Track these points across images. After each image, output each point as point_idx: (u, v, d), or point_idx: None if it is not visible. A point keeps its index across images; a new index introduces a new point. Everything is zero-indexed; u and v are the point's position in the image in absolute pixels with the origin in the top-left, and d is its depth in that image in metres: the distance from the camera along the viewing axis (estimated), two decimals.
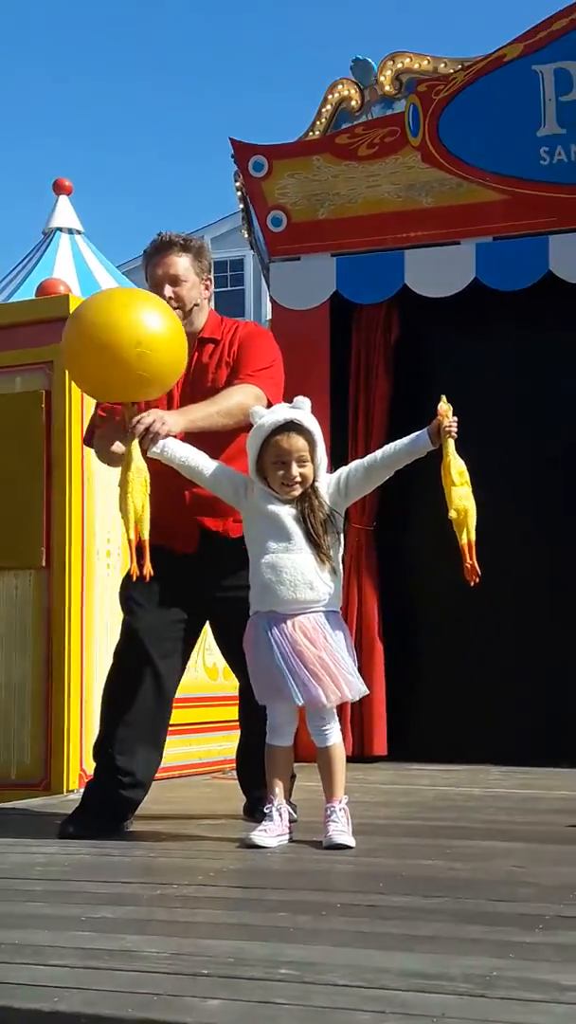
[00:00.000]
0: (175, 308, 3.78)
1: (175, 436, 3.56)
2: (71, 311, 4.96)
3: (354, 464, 3.58)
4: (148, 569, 3.42)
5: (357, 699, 3.57)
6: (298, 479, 3.46)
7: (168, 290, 3.81)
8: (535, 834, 3.70)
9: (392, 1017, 1.77)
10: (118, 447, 3.67)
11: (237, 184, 7.00)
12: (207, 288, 3.94)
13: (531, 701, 6.13)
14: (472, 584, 3.46)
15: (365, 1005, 1.82)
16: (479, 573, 3.46)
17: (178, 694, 5.58)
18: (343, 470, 3.56)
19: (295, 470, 3.45)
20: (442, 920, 2.44)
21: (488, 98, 6.12)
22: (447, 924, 2.41)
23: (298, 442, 3.45)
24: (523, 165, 6.09)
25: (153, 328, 3.44)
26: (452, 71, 6.29)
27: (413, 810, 4.32)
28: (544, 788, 5.02)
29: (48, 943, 2.27)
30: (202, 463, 3.59)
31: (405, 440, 3.50)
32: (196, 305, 3.87)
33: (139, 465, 3.48)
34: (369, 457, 3.58)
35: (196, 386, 3.79)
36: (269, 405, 3.63)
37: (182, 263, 3.84)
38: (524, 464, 6.25)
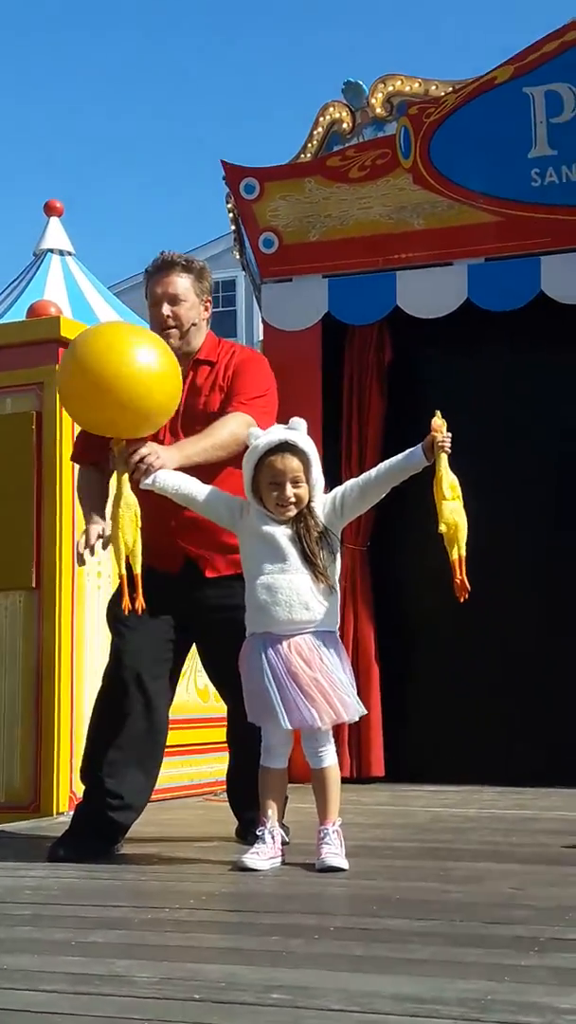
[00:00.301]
0: (172, 327, 3.79)
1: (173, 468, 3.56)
2: (62, 333, 5.01)
3: (349, 483, 3.57)
4: (140, 603, 3.44)
5: (355, 720, 3.54)
6: (292, 500, 3.45)
7: (166, 308, 3.82)
8: (530, 855, 3.67)
9: None
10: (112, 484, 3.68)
11: (229, 206, 7.02)
12: (206, 309, 3.93)
13: (527, 722, 6.12)
14: (462, 600, 3.44)
15: None
16: (468, 589, 3.44)
17: (170, 716, 5.59)
18: (338, 490, 3.55)
19: (289, 491, 3.44)
20: (436, 943, 2.41)
21: (479, 120, 6.15)
22: (442, 947, 2.38)
23: (292, 463, 3.44)
24: (514, 187, 6.12)
25: (152, 370, 3.44)
26: (443, 93, 6.32)
27: (407, 832, 4.29)
28: (539, 809, 5.00)
29: (38, 968, 2.24)
30: (195, 490, 3.58)
31: (399, 457, 3.49)
32: (194, 325, 3.86)
33: (128, 501, 3.49)
34: (364, 476, 3.57)
35: (188, 407, 3.78)
36: None
37: (182, 283, 3.84)
38: (515, 482, 6.25)
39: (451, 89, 6.32)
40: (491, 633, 6.17)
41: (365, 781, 6.12)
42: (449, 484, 3.43)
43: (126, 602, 3.45)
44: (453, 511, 3.42)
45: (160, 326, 3.81)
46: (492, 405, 6.35)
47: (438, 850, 3.81)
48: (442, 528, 3.43)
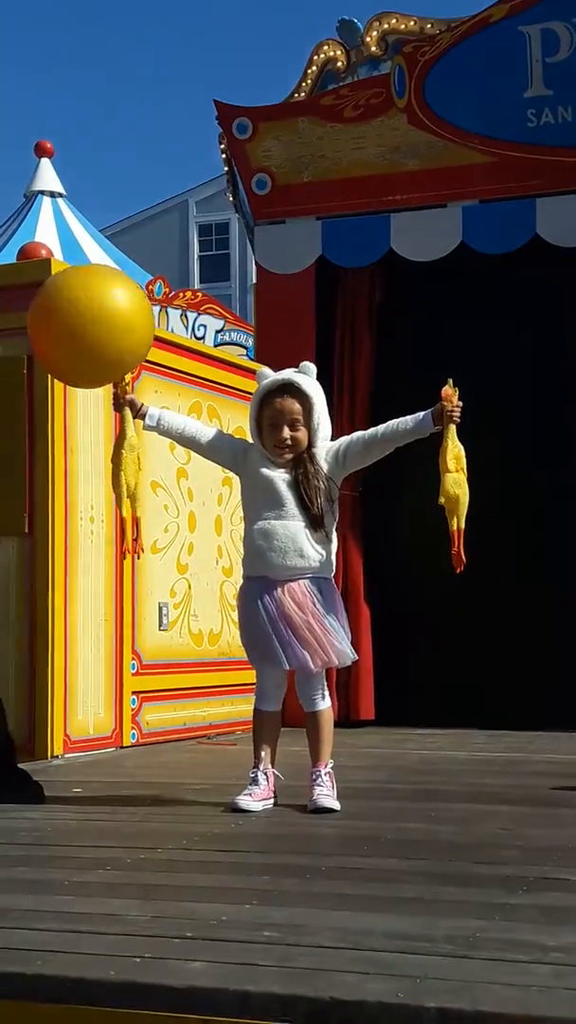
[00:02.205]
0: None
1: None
2: (51, 276, 4.96)
3: (355, 436, 3.54)
4: (141, 545, 3.48)
5: (346, 665, 3.56)
6: (288, 442, 3.43)
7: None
8: (520, 797, 3.71)
9: (376, 978, 1.76)
10: None
11: (222, 147, 6.93)
12: None
13: (518, 666, 6.15)
14: (458, 571, 3.44)
15: (348, 966, 1.82)
16: (464, 561, 3.43)
17: (163, 660, 5.62)
18: (343, 441, 3.52)
19: (286, 432, 3.43)
20: (426, 882, 2.44)
21: (474, 59, 6.07)
22: (431, 886, 2.41)
23: (292, 405, 3.43)
24: (510, 127, 6.05)
25: (130, 315, 3.42)
26: (438, 32, 6.23)
27: (398, 774, 4.33)
28: (529, 752, 5.04)
29: (31, 907, 2.26)
30: (199, 432, 3.57)
31: (408, 419, 3.45)
32: None
33: (132, 443, 3.51)
34: (371, 431, 3.54)
35: None
36: None
37: None
38: (509, 425, 6.24)
39: (446, 27, 6.23)
40: (484, 578, 6.17)
41: (355, 724, 6.15)
42: (454, 456, 3.39)
43: (127, 544, 3.47)
44: (455, 483, 3.39)
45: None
46: (485, 348, 6.32)
47: (429, 792, 3.84)
48: (441, 500, 3.41)
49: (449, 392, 3.37)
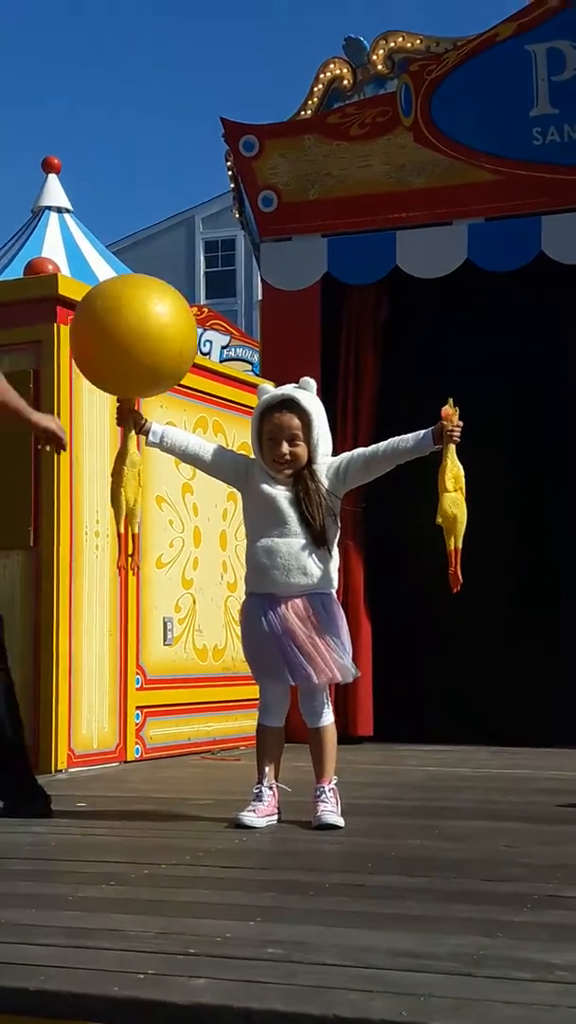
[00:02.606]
0: None
1: None
2: (59, 291, 4.97)
3: (355, 453, 3.55)
4: (136, 562, 3.47)
5: (348, 681, 3.55)
6: (287, 457, 3.44)
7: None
8: (525, 814, 3.70)
9: (379, 996, 1.76)
10: None
11: (228, 163, 6.96)
12: None
13: (521, 682, 6.14)
14: (455, 591, 3.44)
15: (353, 984, 1.82)
16: (461, 581, 3.43)
17: (167, 675, 5.62)
18: (344, 457, 3.53)
19: (285, 448, 3.43)
20: (430, 900, 2.44)
21: (480, 78, 6.10)
22: (435, 903, 2.40)
23: (291, 420, 3.43)
24: (516, 145, 6.07)
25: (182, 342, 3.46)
26: (444, 51, 6.26)
27: (402, 790, 4.32)
28: (534, 768, 5.03)
29: (34, 922, 2.26)
30: (200, 450, 3.58)
31: (408, 438, 3.45)
32: None
33: (134, 459, 3.52)
34: (371, 448, 3.54)
35: None
36: None
37: None
38: (513, 442, 6.24)
39: (452, 46, 6.26)
40: (486, 593, 6.18)
41: (353, 740, 6.14)
42: (453, 476, 3.39)
43: (121, 559, 3.49)
44: (453, 503, 3.39)
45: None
46: (490, 365, 6.33)
47: (433, 809, 3.83)
48: (439, 520, 3.40)
49: (449, 412, 3.37)
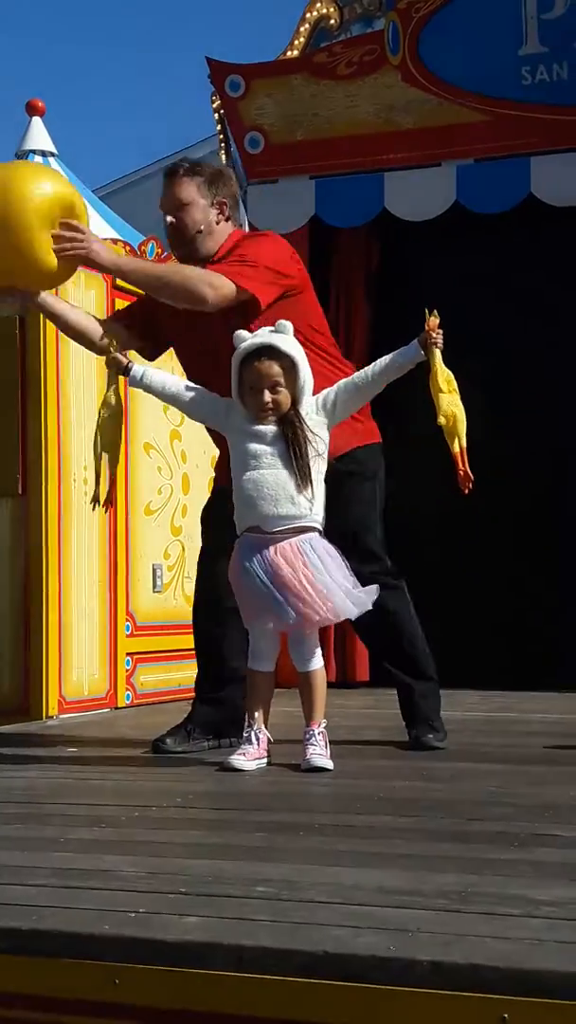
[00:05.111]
0: (174, 234, 3.75)
1: (96, 262, 3.53)
2: None
3: (342, 382, 3.54)
4: (111, 498, 3.64)
5: (349, 617, 3.54)
6: (270, 405, 3.42)
7: (168, 218, 3.77)
8: (512, 756, 3.74)
9: (368, 932, 1.78)
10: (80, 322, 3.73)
11: (214, 105, 6.86)
12: (220, 212, 3.78)
13: (510, 625, 6.17)
14: (466, 492, 3.47)
15: (342, 921, 1.84)
16: (472, 479, 3.46)
17: (157, 621, 5.63)
18: (330, 390, 3.52)
19: (267, 396, 3.41)
20: (418, 839, 2.46)
21: (469, 15, 6.00)
22: (423, 843, 2.43)
23: (272, 368, 3.41)
24: (504, 85, 5.99)
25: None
26: None
27: (391, 734, 4.34)
28: (522, 711, 5.07)
29: (26, 864, 2.28)
30: (181, 390, 3.58)
31: (393, 354, 3.48)
32: (199, 232, 3.74)
33: (109, 399, 3.59)
34: (359, 373, 3.54)
35: (199, 313, 3.61)
36: (238, 297, 3.56)
37: (185, 188, 3.74)
38: (505, 384, 6.22)
39: None
40: (475, 537, 6.20)
41: (350, 686, 6.17)
42: (445, 378, 3.44)
43: (96, 494, 3.58)
44: (451, 403, 3.44)
45: (166, 236, 3.81)
46: (481, 309, 6.29)
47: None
48: (441, 420, 3.45)
49: (434, 322, 3.41)
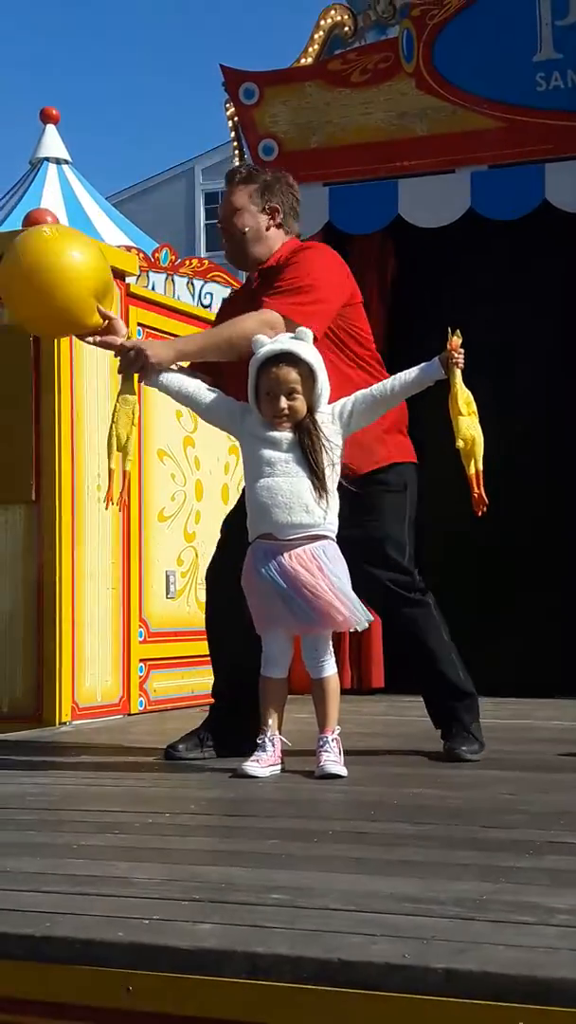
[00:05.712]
0: (225, 237, 3.81)
1: (163, 367, 3.54)
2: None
3: (360, 393, 3.54)
4: (123, 499, 3.59)
5: (360, 628, 3.53)
6: (286, 412, 3.42)
7: (223, 222, 3.85)
8: (526, 763, 3.72)
9: (382, 940, 1.77)
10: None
11: (228, 112, 6.87)
12: (272, 218, 3.81)
13: (523, 632, 6.15)
14: (479, 514, 3.47)
15: (356, 928, 1.83)
16: (487, 503, 3.46)
17: (170, 628, 5.63)
18: (348, 399, 3.51)
19: (283, 403, 3.41)
20: (432, 846, 2.45)
21: (483, 22, 5.99)
22: (437, 850, 2.42)
23: (290, 374, 3.41)
24: (519, 91, 5.98)
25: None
26: None
27: (405, 741, 4.34)
28: (535, 718, 5.05)
29: (39, 870, 2.28)
30: (197, 392, 3.57)
31: (414, 370, 3.47)
32: (245, 235, 3.77)
33: (127, 396, 3.55)
34: (378, 386, 3.54)
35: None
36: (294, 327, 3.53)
37: (236, 195, 3.81)
38: (520, 393, 6.21)
39: None
40: (491, 544, 6.17)
41: (366, 693, 6.17)
42: (464, 400, 3.43)
43: (111, 492, 3.54)
44: (470, 426, 3.44)
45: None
46: (495, 314, 6.28)
47: (435, 758, 3.85)
48: (459, 444, 3.44)
49: (456, 341, 3.41)
